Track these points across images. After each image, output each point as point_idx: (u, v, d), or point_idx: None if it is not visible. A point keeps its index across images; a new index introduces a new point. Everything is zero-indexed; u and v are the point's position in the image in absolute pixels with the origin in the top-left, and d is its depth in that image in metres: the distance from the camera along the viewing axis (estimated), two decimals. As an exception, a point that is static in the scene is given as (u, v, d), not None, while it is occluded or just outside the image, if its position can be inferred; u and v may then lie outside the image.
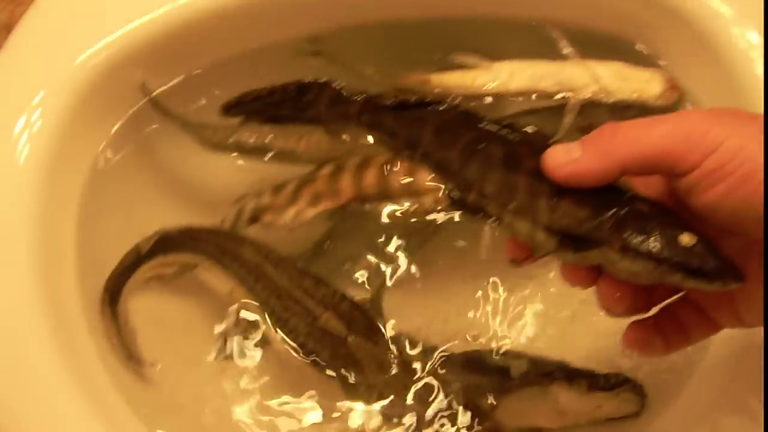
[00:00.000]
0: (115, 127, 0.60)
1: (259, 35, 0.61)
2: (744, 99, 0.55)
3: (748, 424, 0.48)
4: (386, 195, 0.56)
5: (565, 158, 0.36)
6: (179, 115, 0.60)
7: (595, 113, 0.60)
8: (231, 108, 0.56)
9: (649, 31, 0.62)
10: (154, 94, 0.60)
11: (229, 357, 0.56)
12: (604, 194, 0.36)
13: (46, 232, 0.52)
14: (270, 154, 0.60)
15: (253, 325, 0.55)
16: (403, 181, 0.56)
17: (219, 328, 0.57)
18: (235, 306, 0.56)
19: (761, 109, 0.53)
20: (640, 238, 0.35)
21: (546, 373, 0.52)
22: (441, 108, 0.43)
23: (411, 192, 0.56)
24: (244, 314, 0.56)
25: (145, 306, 0.58)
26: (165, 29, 0.57)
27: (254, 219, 0.59)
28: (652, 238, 0.35)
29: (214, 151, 0.61)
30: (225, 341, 0.56)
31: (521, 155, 0.39)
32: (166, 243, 0.57)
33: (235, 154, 0.61)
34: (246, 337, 0.56)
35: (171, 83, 0.61)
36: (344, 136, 0.57)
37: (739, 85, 0.55)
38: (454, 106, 0.44)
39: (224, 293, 0.57)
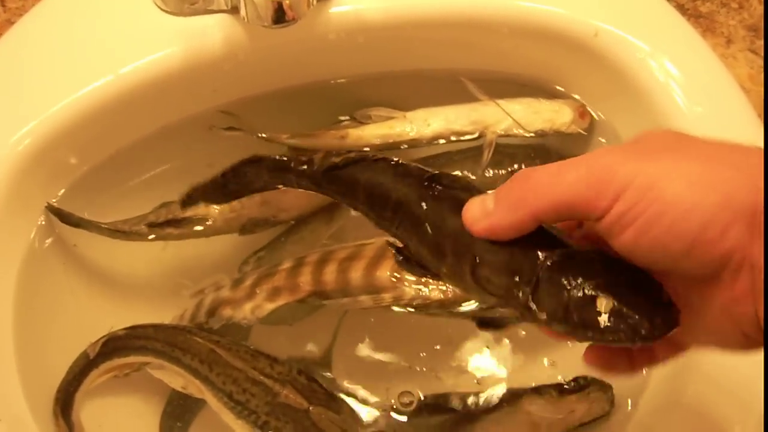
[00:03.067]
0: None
1: (170, 112, 0.62)
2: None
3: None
4: (346, 291, 0.57)
5: (480, 212, 0.36)
6: (88, 220, 0.59)
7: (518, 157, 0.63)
8: (187, 199, 0.56)
9: (566, 74, 0.65)
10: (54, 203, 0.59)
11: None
12: (526, 247, 0.35)
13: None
14: (183, 230, 0.60)
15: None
16: (362, 277, 0.56)
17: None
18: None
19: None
20: (554, 308, 0.34)
21: (514, 392, 0.52)
22: (369, 162, 0.43)
23: (371, 288, 0.56)
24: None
25: (96, 405, 0.58)
26: (83, 112, 0.56)
27: (212, 312, 0.59)
28: (565, 310, 0.34)
29: (133, 240, 0.60)
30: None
31: (444, 212, 0.38)
32: (114, 346, 0.57)
33: (152, 237, 0.60)
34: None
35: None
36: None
37: (662, 117, 0.58)
38: (381, 157, 0.43)
39: (178, 388, 0.57)
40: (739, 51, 0.68)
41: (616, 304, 0.33)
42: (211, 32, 0.57)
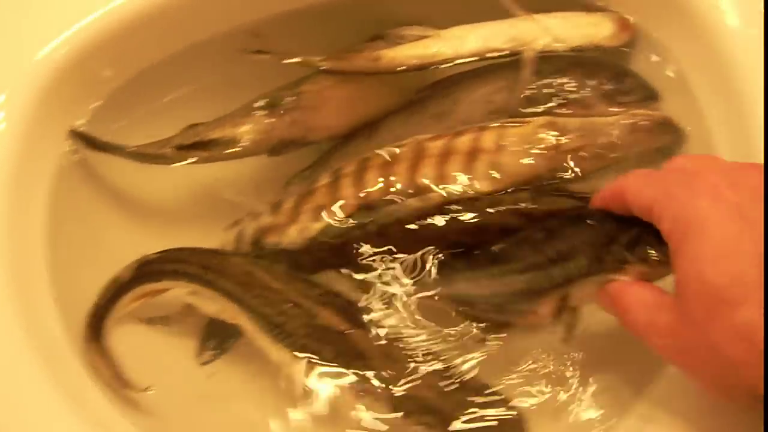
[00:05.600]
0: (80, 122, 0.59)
1: (201, 28, 0.61)
2: (716, 51, 0.56)
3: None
4: (391, 198, 0.55)
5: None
6: (113, 145, 0.58)
7: (554, 63, 0.60)
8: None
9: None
10: (80, 129, 0.58)
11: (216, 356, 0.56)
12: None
13: (16, 250, 0.51)
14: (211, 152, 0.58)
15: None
16: (406, 180, 0.55)
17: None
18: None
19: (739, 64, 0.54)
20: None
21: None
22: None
23: (417, 190, 0.55)
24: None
25: (128, 330, 0.57)
26: (119, 23, 0.56)
27: (257, 242, 0.57)
28: None
29: (160, 163, 0.59)
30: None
31: None
32: (147, 270, 0.55)
33: (180, 159, 0.58)
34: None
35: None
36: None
37: (715, 37, 0.56)
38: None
39: (213, 314, 0.55)
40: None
41: None
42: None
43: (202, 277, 0.54)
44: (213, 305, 0.55)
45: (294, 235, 0.56)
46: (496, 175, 0.55)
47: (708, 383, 0.40)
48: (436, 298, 0.52)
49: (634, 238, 0.44)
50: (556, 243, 0.48)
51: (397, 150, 0.57)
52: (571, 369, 0.52)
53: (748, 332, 0.36)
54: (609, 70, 0.60)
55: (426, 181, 0.55)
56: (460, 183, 0.55)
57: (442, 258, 0.53)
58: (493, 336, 0.50)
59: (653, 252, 0.43)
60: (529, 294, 0.48)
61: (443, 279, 0.52)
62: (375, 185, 0.55)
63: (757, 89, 0.53)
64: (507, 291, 0.49)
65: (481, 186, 0.55)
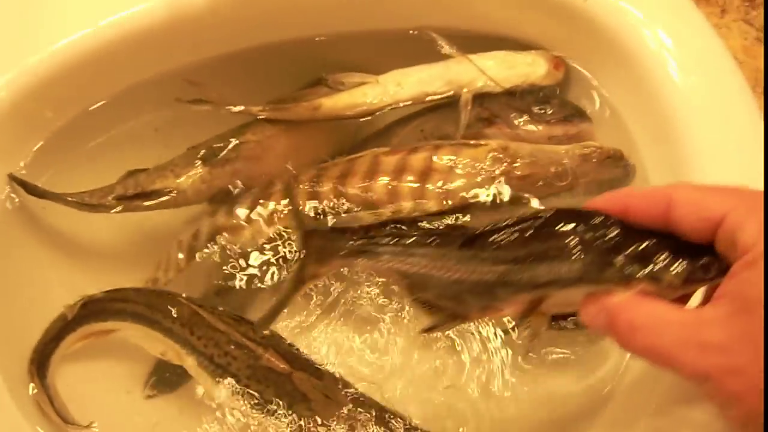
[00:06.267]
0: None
1: (140, 70, 0.61)
2: (657, 101, 0.57)
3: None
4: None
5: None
6: (53, 193, 0.58)
7: (491, 104, 0.62)
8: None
9: (553, 38, 0.64)
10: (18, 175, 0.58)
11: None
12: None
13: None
14: (152, 202, 0.59)
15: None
16: (359, 193, 0.56)
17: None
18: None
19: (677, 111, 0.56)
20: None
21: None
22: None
23: (369, 203, 0.56)
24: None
25: (70, 367, 0.57)
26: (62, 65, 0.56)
27: (211, 239, 0.58)
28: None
29: (100, 212, 0.59)
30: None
31: None
32: (92, 309, 0.56)
33: (119, 209, 0.58)
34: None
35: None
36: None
37: (654, 87, 0.57)
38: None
39: (157, 354, 0.55)
40: (734, 21, 0.68)
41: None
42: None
43: (147, 317, 0.54)
44: (158, 345, 0.55)
45: (248, 237, 0.57)
46: (445, 195, 0.56)
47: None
48: (387, 268, 0.45)
49: (646, 252, 0.39)
50: (547, 238, 0.41)
51: (353, 162, 0.58)
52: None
53: None
54: (534, 94, 0.62)
55: (378, 196, 0.56)
56: (411, 200, 0.56)
57: (404, 228, 0.48)
58: (439, 329, 0.45)
59: (671, 272, 0.39)
60: (499, 288, 0.41)
61: (403, 251, 0.44)
62: (329, 195, 0.56)
63: (694, 135, 0.55)
64: (474, 279, 0.42)
65: (430, 205, 0.56)
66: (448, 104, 0.62)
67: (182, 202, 0.59)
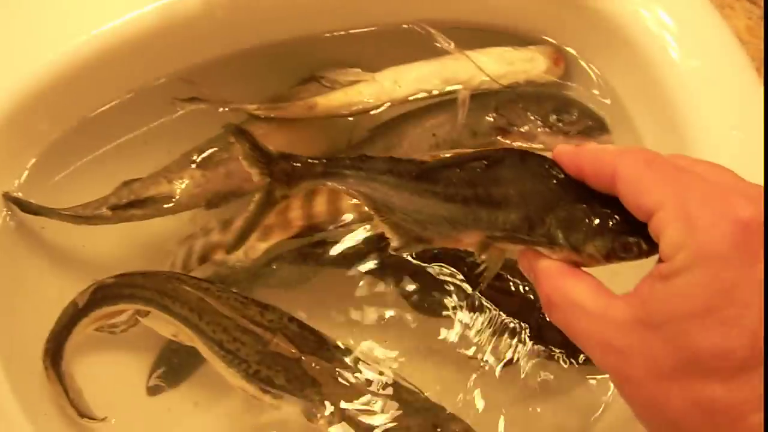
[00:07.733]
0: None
1: (135, 77, 0.61)
2: (659, 86, 0.57)
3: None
4: (338, 220, 0.56)
5: None
6: (48, 208, 0.58)
7: (508, 111, 0.61)
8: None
9: (552, 24, 0.63)
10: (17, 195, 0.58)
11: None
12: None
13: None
14: (147, 209, 0.58)
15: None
16: (354, 204, 0.55)
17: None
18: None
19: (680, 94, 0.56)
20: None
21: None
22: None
23: (363, 214, 0.55)
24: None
25: (85, 361, 0.57)
26: (56, 75, 0.56)
27: (204, 258, 0.58)
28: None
29: (96, 224, 0.58)
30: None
31: None
32: (103, 294, 0.56)
33: (115, 219, 0.58)
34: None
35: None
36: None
37: (656, 70, 0.57)
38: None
39: (169, 335, 0.56)
40: (737, 1, 0.67)
41: None
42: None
43: (157, 301, 0.55)
44: (169, 328, 0.56)
45: (240, 253, 0.57)
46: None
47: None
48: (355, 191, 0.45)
49: (575, 218, 0.39)
50: (493, 182, 0.41)
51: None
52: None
53: (710, 408, 0.33)
54: (552, 101, 0.61)
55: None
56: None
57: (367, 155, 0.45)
58: (405, 249, 0.45)
59: (592, 245, 0.38)
60: (451, 224, 0.42)
61: (366, 176, 0.44)
62: (324, 208, 0.57)
63: (698, 119, 0.55)
64: (429, 212, 0.42)
65: None
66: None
67: (178, 209, 0.59)
